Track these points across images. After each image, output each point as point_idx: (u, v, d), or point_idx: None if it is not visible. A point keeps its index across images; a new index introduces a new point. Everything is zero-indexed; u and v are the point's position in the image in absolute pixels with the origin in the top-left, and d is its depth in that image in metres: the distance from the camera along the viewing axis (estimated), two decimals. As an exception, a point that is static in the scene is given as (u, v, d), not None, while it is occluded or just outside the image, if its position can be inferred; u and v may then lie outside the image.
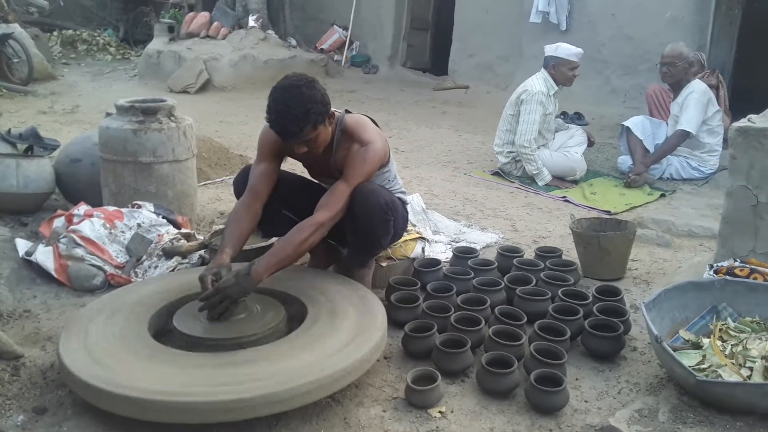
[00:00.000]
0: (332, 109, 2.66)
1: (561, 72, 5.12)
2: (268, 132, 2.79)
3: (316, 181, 3.09)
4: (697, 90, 5.11)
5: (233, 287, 2.40)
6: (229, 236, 2.67)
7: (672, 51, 5.17)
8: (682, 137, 5.13)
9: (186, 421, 2.01)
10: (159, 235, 3.28)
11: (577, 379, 2.48)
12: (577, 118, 7.17)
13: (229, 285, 2.40)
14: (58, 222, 3.33)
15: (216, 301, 2.40)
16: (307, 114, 2.49)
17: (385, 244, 3.00)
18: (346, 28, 10.82)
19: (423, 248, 3.43)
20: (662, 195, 4.96)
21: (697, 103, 5.07)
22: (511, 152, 5.28)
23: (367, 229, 2.79)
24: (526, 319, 2.70)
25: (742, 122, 2.85)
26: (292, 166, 3.14)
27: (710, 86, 5.36)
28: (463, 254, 3.36)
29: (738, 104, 6.06)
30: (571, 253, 3.59)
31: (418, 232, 3.47)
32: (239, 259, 3.04)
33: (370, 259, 3.04)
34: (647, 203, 4.80)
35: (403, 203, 3.10)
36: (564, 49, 5.10)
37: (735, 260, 2.82)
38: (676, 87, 5.25)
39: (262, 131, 2.85)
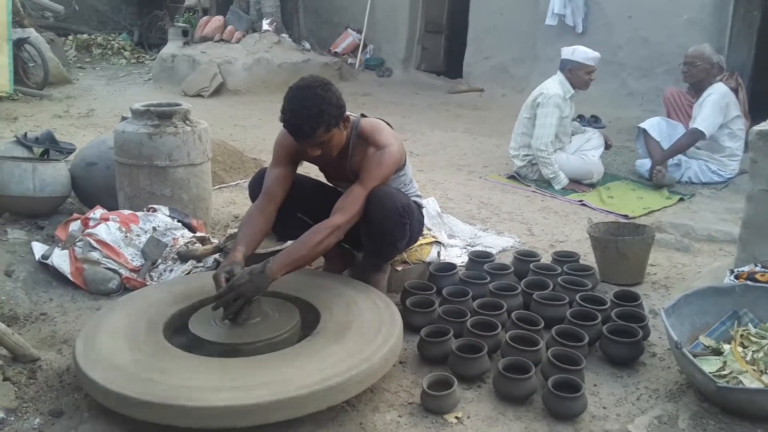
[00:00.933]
0: (347, 113, 2.66)
1: (577, 76, 5.08)
2: (284, 136, 2.79)
3: (331, 185, 3.09)
4: (716, 92, 5.07)
5: (247, 284, 2.39)
6: (242, 236, 2.67)
7: (694, 51, 5.18)
8: (694, 136, 5.08)
9: (200, 425, 2.00)
10: (174, 239, 3.29)
11: (595, 385, 2.45)
12: (594, 121, 7.12)
13: (243, 282, 2.39)
14: (74, 225, 3.34)
15: (230, 298, 2.38)
16: (321, 115, 2.50)
17: (400, 247, 2.99)
18: (360, 32, 10.82)
19: (438, 252, 3.41)
20: (681, 199, 4.91)
21: (713, 105, 5.03)
22: (527, 155, 5.25)
23: (383, 233, 2.77)
24: (543, 324, 2.67)
25: (764, 126, 2.82)
26: (307, 169, 3.13)
27: (729, 89, 5.31)
28: (479, 258, 3.34)
29: (757, 107, 5.99)
30: (588, 257, 3.55)
31: (433, 236, 3.45)
32: (253, 263, 3.05)
33: (385, 262, 3.03)
34: (665, 207, 4.75)
35: (419, 207, 3.09)
36: (581, 53, 5.07)
37: (756, 265, 2.78)
38: (698, 88, 5.22)
39: (279, 135, 2.85)
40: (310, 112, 2.48)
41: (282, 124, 2.57)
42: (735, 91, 5.40)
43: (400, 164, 2.85)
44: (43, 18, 11.81)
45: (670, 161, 5.35)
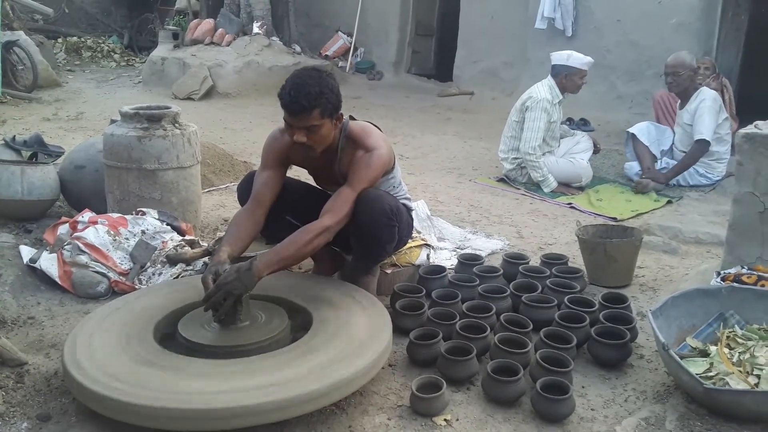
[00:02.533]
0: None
1: (572, 81, 5.11)
2: (273, 138, 2.81)
3: (321, 188, 3.09)
4: (708, 97, 5.09)
5: (234, 282, 2.38)
6: (228, 237, 2.66)
7: (674, 60, 5.15)
8: (702, 148, 5.10)
9: (190, 429, 2.00)
10: (163, 242, 3.28)
11: (583, 387, 2.46)
12: (583, 124, 7.16)
13: (230, 281, 2.38)
14: (63, 229, 3.33)
15: (219, 298, 2.37)
16: (320, 95, 2.53)
17: (389, 250, 3.00)
18: (350, 35, 10.84)
19: (428, 255, 3.42)
20: (669, 201, 4.94)
21: (710, 111, 5.05)
22: (516, 159, 5.28)
23: (372, 236, 2.78)
24: (531, 326, 2.68)
25: (749, 129, 2.84)
26: (296, 173, 3.14)
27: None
28: (468, 261, 3.35)
29: (745, 110, 6.04)
30: (577, 260, 3.57)
31: (422, 239, 3.46)
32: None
33: (374, 265, 3.03)
34: (654, 210, 4.78)
35: (408, 210, 3.10)
36: (576, 59, 5.09)
37: (742, 267, 2.81)
38: (684, 95, 5.23)
39: (268, 139, 2.86)
40: (311, 90, 2.52)
41: (279, 98, 2.57)
42: (720, 92, 5.43)
43: (388, 167, 2.85)
44: (32, 21, 11.76)
45: (659, 164, 5.38)
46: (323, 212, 2.65)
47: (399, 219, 2.84)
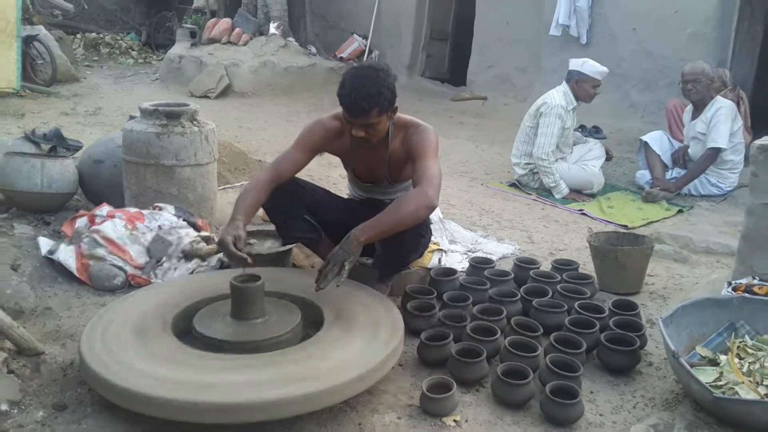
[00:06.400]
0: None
1: (583, 88, 5.12)
2: (317, 124, 2.91)
3: (339, 198, 3.18)
4: (725, 105, 5.10)
5: (338, 252, 2.52)
6: (243, 206, 2.71)
7: (694, 68, 5.15)
8: (714, 156, 5.11)
9: (204, 421, 2.03)
10: (179, 238, 3.31)
11: (592, 393, 2.48)
12: (596, 132, 7.12)
13: (335, 251, 2.53)
14: (81, 222, 3.37)
15: (329, 268, 2.51)
16: (379, 95, 2.61)
17: (411, 259, 3.05)
18: (365, 37, 10.87)
19: (439, 259, 3.44)
20: (680, 211, 4.94)
21: (726, 119, 5.06)
22: (528, 164, 5.29)
23: (399, 239, 2.77)
24: (542, 330, 2.70)
25: (765, 140, 2.85)
26: (308, 172, 3.17)
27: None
28: (479, 264, 3.37)
29: (759, 122, 6.03)
30: (587, 266, 3.58)
31: (435, 243, 3.48)
32: (257, 263, 3.08)
33: (390, 275, 3.05)
34: (665, 218, 4.78)
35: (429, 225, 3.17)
36: (590, 66, 5.10)
37: (754, 278, 2.81)
38: (699, 105, 5.22)
39: (312, 123, 2.94)
40: (369, 91, 2.59)
41: (339, 99, 2.64)
42: (737, 104, 5.43)
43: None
44: (52, 16, 11.88)
45: (670, 173, 5.38)
46: (416, 182, 2.69)
47: (425, 231, 2.91)
